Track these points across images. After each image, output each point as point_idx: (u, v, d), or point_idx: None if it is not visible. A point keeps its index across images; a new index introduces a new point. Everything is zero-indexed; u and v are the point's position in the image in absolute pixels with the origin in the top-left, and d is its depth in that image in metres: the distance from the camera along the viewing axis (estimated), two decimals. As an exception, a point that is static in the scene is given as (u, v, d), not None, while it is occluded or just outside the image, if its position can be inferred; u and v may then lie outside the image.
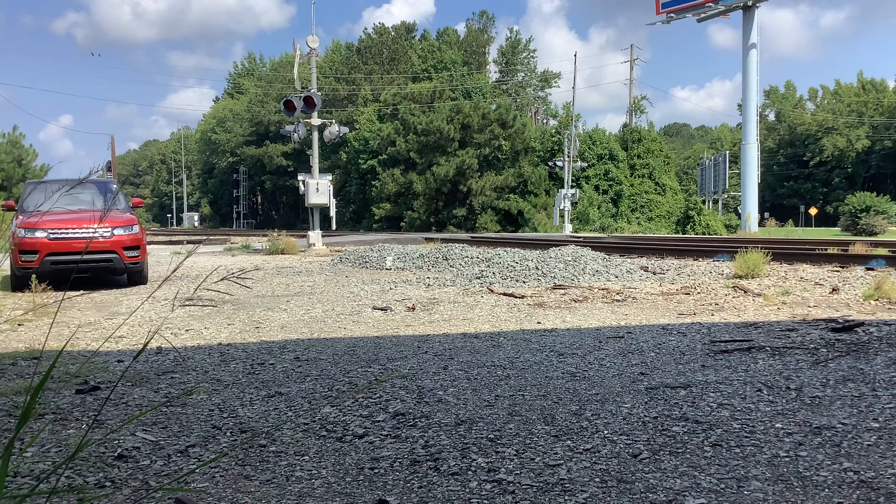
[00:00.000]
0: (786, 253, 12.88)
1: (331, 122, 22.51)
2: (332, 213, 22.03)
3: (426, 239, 24.61)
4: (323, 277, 11.90)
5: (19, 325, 6.91)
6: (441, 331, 6.35)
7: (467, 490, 2.68)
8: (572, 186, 42.67)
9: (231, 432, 3.44)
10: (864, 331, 5.69)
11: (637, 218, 48.57)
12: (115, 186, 14.19)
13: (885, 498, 2.51)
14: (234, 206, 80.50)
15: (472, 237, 27.22)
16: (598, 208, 46.74)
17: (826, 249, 13.91)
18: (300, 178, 21.95)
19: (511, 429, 3.39)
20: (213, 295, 8.64)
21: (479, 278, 10.44)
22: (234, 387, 4.34)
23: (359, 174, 55.87)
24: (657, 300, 8.14)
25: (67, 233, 10.13)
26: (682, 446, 3.11)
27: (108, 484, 2.77)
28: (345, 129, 24.45)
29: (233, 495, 2.66)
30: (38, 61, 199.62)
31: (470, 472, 2.85)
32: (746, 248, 11.28)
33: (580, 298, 8.37)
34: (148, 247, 11.98)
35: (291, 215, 71.70)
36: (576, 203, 43.30)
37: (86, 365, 4.97)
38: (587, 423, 3.46)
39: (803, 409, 3.62)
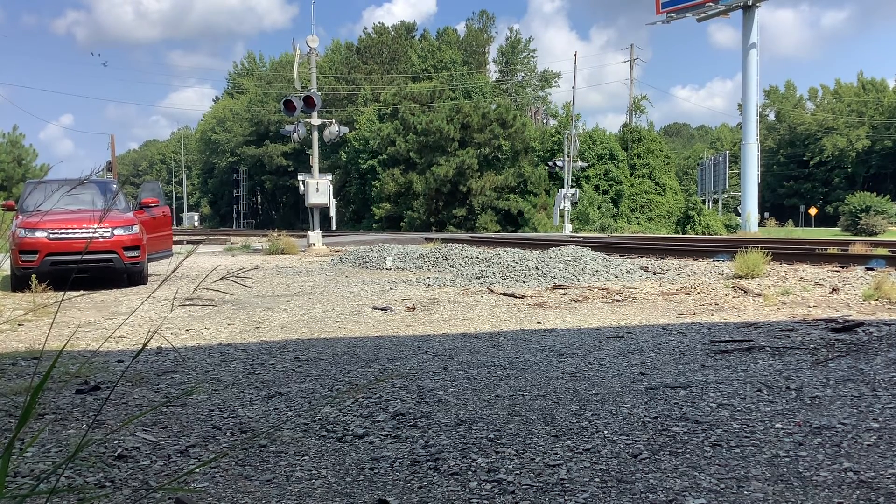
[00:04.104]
0: (786, 253, 12.89)
1: (331, 122, 22.51)
2: (332, 213, 22.03)
3: (426, 239, 24.62)
4: (323, 277, 11.90)
5: (19, 325, 6.91)
6: (441, 331, 6.35)
7: (467, 490, 2.68)
8: (572, 186, 42.68)
9: (231, 432, 3.44)
10: (864, 331, 5.69)
11: (637, 218, 48.57)
12: (115, 186, 14.20)
13: (885, 498, 2.51)
14: (234, 206, 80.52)
15: (472, 237, 27.22)
16: (598, 208, 46.74)
17: (826, 249, 13.91)
18: (300, 177, 21.95)
19: (511, 429, 3.39)
20: (212, 295, 8.64)
21: (479, 278, 10.44)
22: (234, 387, 4.34)
23: (359, 174, 55.88)
24: (657, 300, 8.14)
25: (67, 233, 10.13)
26: (682, 446, 3.11)
27: (108, 484, 2.77)
28: (345, 129, 24.45)
29: (233, 495, 2.66)
30: (38, 61, 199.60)
31: (470, 472, 2.85)
32: (746, 248, 11.28)
33: (580, 298, 8.37)
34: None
35: (291, 215, 71.70)
36: (576, 203, 43.31)
37: (86, 365, 4.97)
38: (587, 423, 3.46)
39: (803, 409, 3.62)
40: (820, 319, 6.40)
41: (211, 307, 8.10)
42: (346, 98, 62.51)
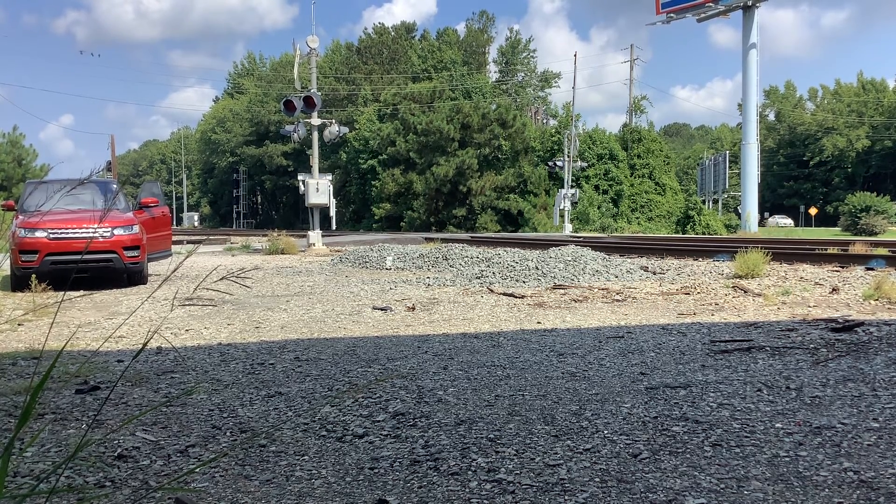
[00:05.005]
0: (786, 253, 12.89)
1: (331, 122, 22.51)
2: (332, 213, 22.03)
3: (426, 239, 24.62)
4: (323, 277, 11.90)
5: (19, 325, 6.91)
6: (441, 331, 6.35)
7: (467, 490, 2.68)
8: (572, 186, 42.68)
9: (231, 432, 3.44)
10: (864, 331, 5.69)
11: (637, 218, 48.58)
12: (115, 186, 14.20)
13: (885, 498, 2.51)
14: (234, 206, 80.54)
15: (472, 237, 27.22)
16: (599, 208, 46.75)
17: (826, 249, 13.91)
18: (300, 177, 21.95)
19: (511, 429, 3.39)
20: (212, 295, 8.63)
21: (479, 278, 10.44)
22: (234, 387, 4.34)
23: (359, 174, 55.89)
24: (657, 300, 8.14)
25: (67, 233, 10.13)
26: (682, 446, 3.11)
27: (108, 484, 2.77)
28: (345, 129, 24.45)
29: (233, 495, 2.66)
30: (38, 61, 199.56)
31: (470, 472, 2.85)
32: (746, 248, 11.28)
33: (580, 298, 8.37)
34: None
35: (291, 215, 71.71)
36: (576, 203, 43.31)
37: (86, 365, 4.97)
38: (587, 423, 3.46)
39: (803, 409, 3.62)
40: (820, 319, 6.39)
41: (211, 307, 8.09)
42: (346, 98, 62.51)
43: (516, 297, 8.56)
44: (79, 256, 9.97)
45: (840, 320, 6.20)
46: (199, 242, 25.57)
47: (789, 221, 70.92)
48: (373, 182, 52.85)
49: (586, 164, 47.06)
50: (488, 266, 11.52)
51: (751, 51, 40.85)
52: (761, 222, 53.44)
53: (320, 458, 3.07)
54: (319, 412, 3.74)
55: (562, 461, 2.95)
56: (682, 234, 41.87)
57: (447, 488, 2.70)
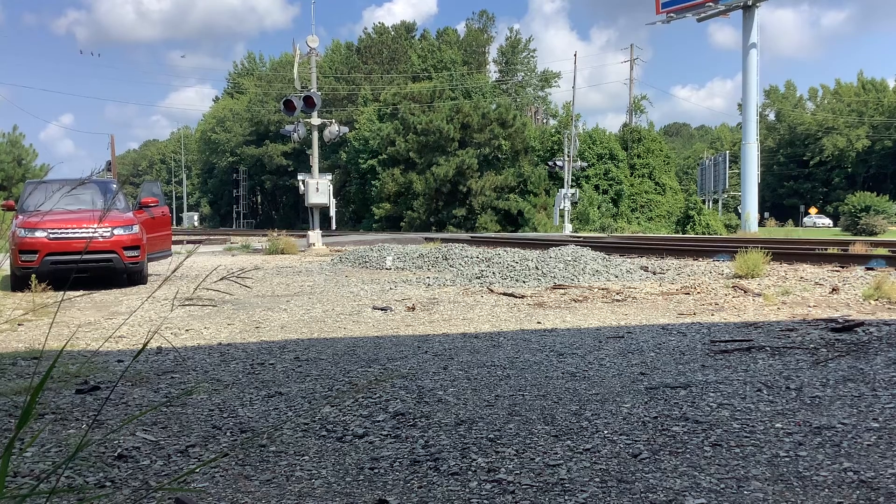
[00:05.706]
0: (786, 253, 12.88)
1: (331, 122, 22.51)
2: (332, 212, 22.04)
3: (426, 239, 24.62)
4: (323, 277, 11.91)
5: (19, 325, 6.91)
6: (441, 331, 6.35)
7: (467, 490, 2.68)
8: (572, 186, 42.69)
9: (231, 432, 3.44)
10: (864, 331, 5.69)
11: (637, 218, 48.59)
12: (115, 186, 14.20)
13: (885, 498, 2.51)
14: (234, 206, 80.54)
15: (472, 237, 27.22)
16: (598, 208, 46.75)
17: (826, 249, 13.91)
18: (300, 177, 21.96)
19: (511, 429, 3.40)
20: (213, 295, 8.63)
21: (479, 278, 10.44)
22: (234, 387, 4.34)
23: (359, 174, 55.88)
24: (657, 300, 8.14)
25: (67, 233, 10.13)
26: (682, 446, 3.11)
27: (108, 484, 2.77)
28: (345, 129, 24.46)
29: (233, 495, 2.66)
30: (38, 61, 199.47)
31: (470, 472, 2.85)
32: (746, 247, 11.28)
33: (580, 298, 8.37)
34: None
35: (291, 215, 71.70)
36: (576, 203, 43.32)
37: (86, 365, 4.97)
38: (587, 423, 3.46)
39: (803, 409, 3.62)
40: (820, 319, 6.39)
41: (211, 307, 8.10)
42: (346, 98, 62.51)
43: (516, 297, 8.56)
44: (79, 256, 9.97)
45: (840, 320, 6.21)
46: (199, 242, 25.56)
47: (828, 222, 65.12)
48: (373, 182, 52.85)
49: (586, 164, 47.07)
50: (488, 266, 11.53)
51: (751, 50, 40.84)
52: (761, 222, 53.31)
53: (320, 458, 3.07)
54: (319, 412, 3.74)
55: (562, 461, 2.95)
56: (682, 234, 41.88)
57: (447, 488, 2.70)
